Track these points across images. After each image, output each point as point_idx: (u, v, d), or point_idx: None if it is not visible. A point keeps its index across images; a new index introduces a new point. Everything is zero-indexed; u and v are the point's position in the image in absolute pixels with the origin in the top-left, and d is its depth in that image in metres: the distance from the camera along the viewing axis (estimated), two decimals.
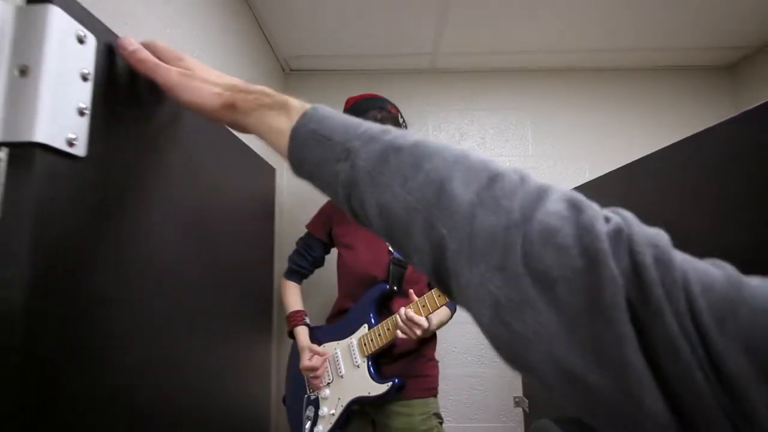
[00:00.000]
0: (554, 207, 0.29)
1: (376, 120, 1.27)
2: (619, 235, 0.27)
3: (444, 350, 1.73)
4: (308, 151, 0.38)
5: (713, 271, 0.26)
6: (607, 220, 0.28)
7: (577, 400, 0.28)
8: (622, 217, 0.28)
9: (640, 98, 1.92)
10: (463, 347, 1.76)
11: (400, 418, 1.19)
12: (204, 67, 0.43)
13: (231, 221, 0.71)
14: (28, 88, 0.33)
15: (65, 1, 0.35)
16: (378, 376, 1.17)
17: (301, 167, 0.40)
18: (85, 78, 0.35)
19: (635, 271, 0.25)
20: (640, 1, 1.50)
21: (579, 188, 1.18)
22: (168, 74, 0.40)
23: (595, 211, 0.28)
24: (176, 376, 0.50)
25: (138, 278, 0.43)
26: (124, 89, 0.41)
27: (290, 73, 1.95)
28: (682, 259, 0.26)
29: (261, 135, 0.42)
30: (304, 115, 0.39)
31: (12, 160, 0.32)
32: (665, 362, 0.24)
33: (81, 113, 0.35)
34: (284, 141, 0.40)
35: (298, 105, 0.41)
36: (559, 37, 1.73)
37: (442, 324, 1.21)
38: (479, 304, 0.30)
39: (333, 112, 0.40)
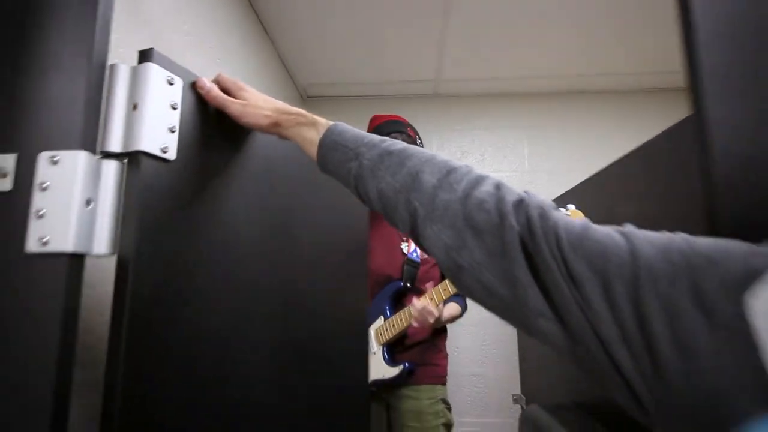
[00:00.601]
0: (486, 188, 0.45)
1: None
2: (521, 203, 0.43)
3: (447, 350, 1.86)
4: (330, 155, 0.56)
5: (575, 221, 0.42)
6: (517, 195, 0.44)
7: (497, 308, 0.43)
8: (528, 193, 0.44)
9: (626, 117, 2.08)
10: (464, 347, 1.89)
11: (409, 401, 1.34)
12: (257, 96, 0.60)
13: (318, 226, 0.84)
14: (137, 117, 0.50)
15: (161, 60, 0.53)
16: (392, 361, 1.33)
17: (325, 166, 0.57)
18: (174, 107, 0.53)
19: (527, 222, 0.41)
20: (623, 30, 1.67)
21: (569, 192, 1.33)
22: (233, 106, 0.58)
23: (508, 189, 0.45)
24: (275, 365, 0.65)
25: (218, 267, 0.60)
26: (202, 113, 0.59)
27: (307, 99, 2.17)
28: (557, 215, 0.42)
29: (297, 142, 0.59)
30: (328, 130, 0.57)
31: (129, 163, 0.50)
32: (543, 275, 0.40)
33: (171, 131, 0.52)
34: (314, 148, 0.57)
35: (324, 122, 0.58)
36: (551, 64, 1.90)
37: (453, 318, 1.37)
38: (437, 249, 0.46)
39: (347, 128, 0.57)
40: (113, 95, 0.50)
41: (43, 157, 0.44)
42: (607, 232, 0.40)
